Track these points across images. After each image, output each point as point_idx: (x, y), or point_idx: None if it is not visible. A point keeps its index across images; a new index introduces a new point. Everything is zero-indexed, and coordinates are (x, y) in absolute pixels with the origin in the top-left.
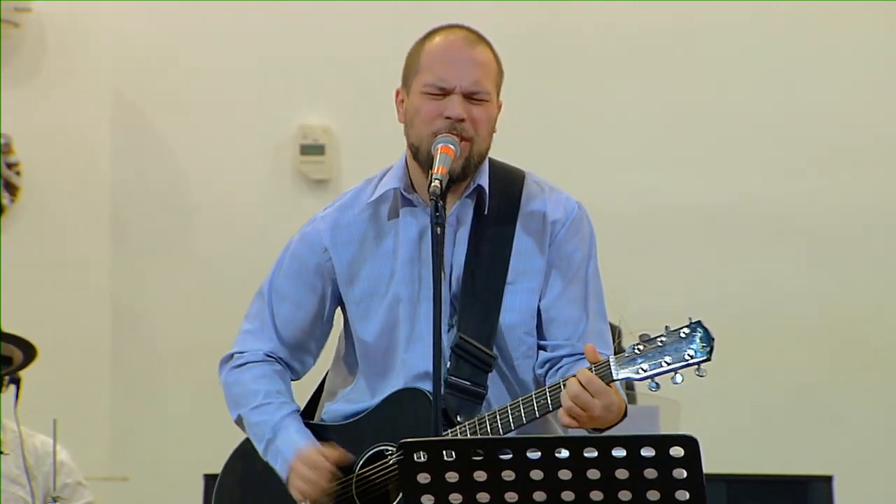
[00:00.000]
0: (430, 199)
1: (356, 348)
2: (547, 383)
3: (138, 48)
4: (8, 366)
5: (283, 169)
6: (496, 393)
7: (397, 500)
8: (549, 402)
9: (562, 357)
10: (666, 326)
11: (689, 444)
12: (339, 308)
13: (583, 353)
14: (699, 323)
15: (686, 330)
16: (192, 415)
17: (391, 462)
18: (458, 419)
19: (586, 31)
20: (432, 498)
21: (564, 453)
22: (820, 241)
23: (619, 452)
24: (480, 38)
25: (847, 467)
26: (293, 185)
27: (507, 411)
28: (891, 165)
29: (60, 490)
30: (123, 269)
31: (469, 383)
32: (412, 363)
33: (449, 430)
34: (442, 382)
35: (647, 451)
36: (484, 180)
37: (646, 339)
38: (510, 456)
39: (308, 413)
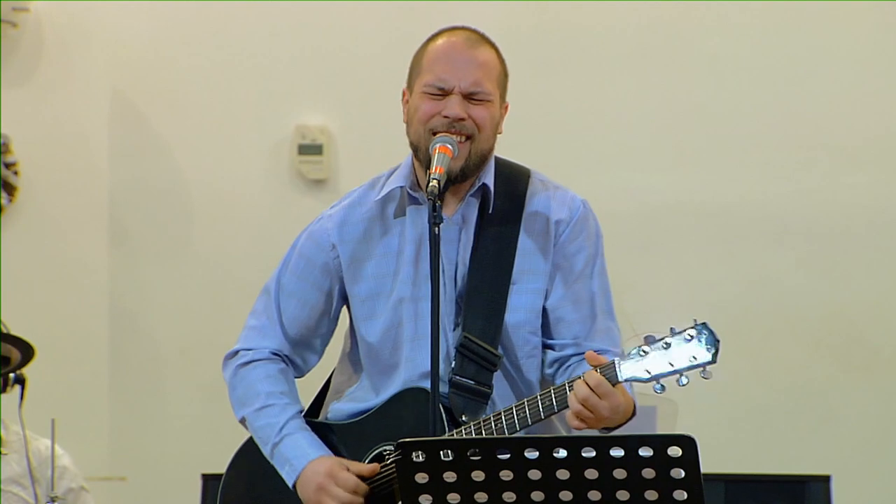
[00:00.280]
0: (428, 199)
1: (360, 347)
2: (556, 382)
3: (136, 48)
4: (6, 366)
5: (280, 169)
6: (501, 392)
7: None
8: (555, 403)
9: (570, 356)
10: (671, 328)
11: (687, 443)
12: (344, 306)
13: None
14: (704, 325)
15: (691, 332)
16: (191, 414)
17: (391, 458)
18: (464, 419)
19: (586, 31)
20: (430, 498)
21: (562, 453)
22: (819, 241)
23: (617, 452)
24: (484, 40)
25: (845, 467)
26: (291, 185)
27: (513, 412)
28: (891, 165)
29: (65, 494)
30: (122, 269)
31: (474, 383)
32: (417, 362)
33: (454, 431)
34: (446, 382)
35: (645, 451)
36: (489, 179)
37: (651, 341)
38: (508, 456)
39: (313, 411)
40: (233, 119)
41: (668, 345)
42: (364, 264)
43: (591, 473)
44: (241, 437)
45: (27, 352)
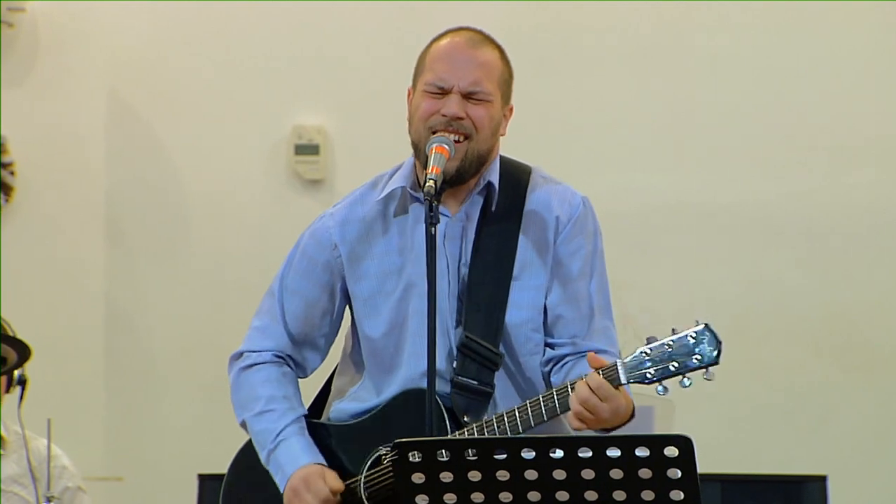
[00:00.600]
0: (425, 199)
1: (362, 346)
2: (552, 380)
3: (133, 48)
4: (2, 366)
5: (277, 169)
6: (503, 391)
7: None
8: (557, 404)
9: (565, 356)
10: (673, 329)
11: (684, 443)
12: (347, 304)
13: (587, 351)
14: (707, 326)
15: (694, 333)
16: (187, 415)
17: (387, 459)
18: (466, 419)
19: (586, 31)
20: (427, 498)
21: (559, 453)
22: (818, 242)
23: (613, 452)
24: (487, 40)
25: (841, 467)
26: (287, 185)
27: (515, 414)
28: (890, 165)
29: (61, 493)
30: (118, 270)
31: (476, 382)
32: (420, 359)
33: (456, 432)
34: (448, 381)
35: (641, 451)
36: (494, 177)
37: (653, 343)
38: (504, 456)
39: (315, 411)
40: (229, 119)
41: (671, 346)
42: (365, 263)
43: (588, 474)
44: (238, 437)
45: (24, 352)
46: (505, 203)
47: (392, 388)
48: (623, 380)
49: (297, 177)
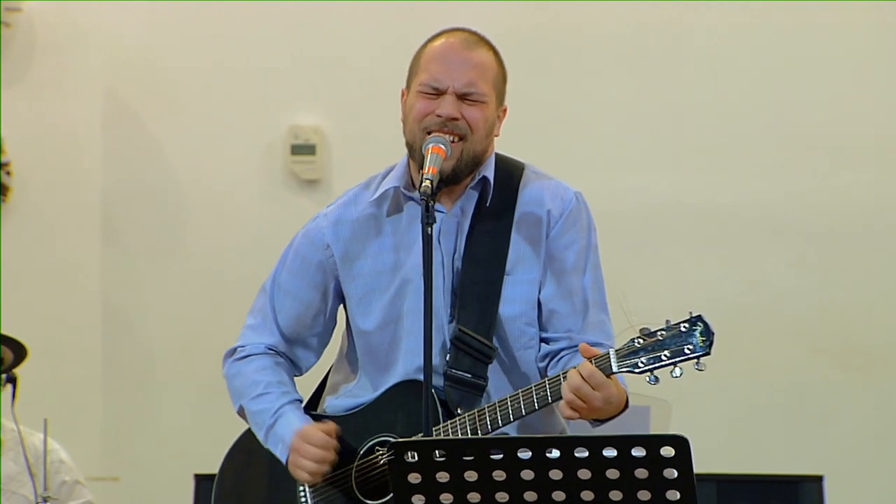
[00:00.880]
0: (421, 199)
1: (357, 344)
2: (548, 375)
3: (129, 48)
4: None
5: (273, 169)
6: (497, 384)
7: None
8: (549, 394)
9: (561, 350)
10: (667, 320)
11: (680, 444)
12: (341, 305)
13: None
14: (699, 317)
15: (686, 324)
16: (184, 415)
17: (383, 459)
18: (459, 411)
19: (584, 31)
20: (423, 498)
21: (555, 453)
22: (815, 242)
23: (609, 452)
24: (482, 41)
25: (837, 467)
26: (284, 185)
27: (507, 403)
28: (888, 166)
29: (59, 488)
30: (114, 270)
31: (469, 375)
32: (416, 355)
33: (448, 423)
34: (441, 375)
35: (637, 451)
36: (490, 172)
37: (646, 333)
38: (501, 456)
39: (311, 406)
40: (226, 119)
41: (663, 336)
42: (359, 262)
43: (584, 473)
44: (234, 436)
45: (20, 352)
46: (498, 199)
47: (388, 385)
48: (614, 368)
49: (294, 177)
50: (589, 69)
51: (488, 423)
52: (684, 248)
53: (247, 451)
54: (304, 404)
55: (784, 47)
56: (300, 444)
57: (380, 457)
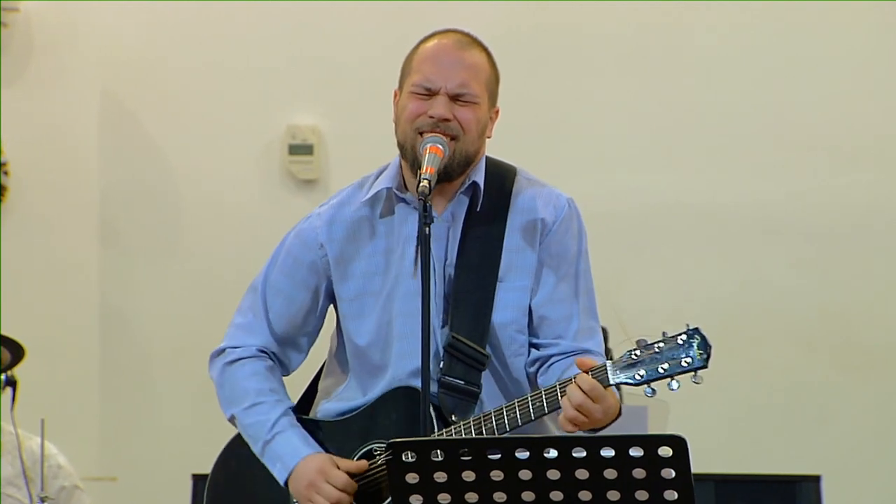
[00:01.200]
0: (419, 200)
1: (347, 347)
2: (538, 381)
3: (127, 48)
4: None
5: (271, 169)
6: (490, 391)
7: (390, 498)
8: (546, 404)
9: (551, 356)
10: (663, 333)
11: (678, 443)
12: (331, 305)
13: (573, 352)
14: (697, 330)
15: (683, 336)
16: (181, 415)
17: (381, 459)
18: (453, 418)
19: (584, 31)
20: (421, 498)
21: (553, 453)
22: (813, 242)
23: (607, 452)
24: (474, 42)
25: (835, 467)
26: (281, 185)
27: (503, 413)
28: (885, 166)
29: (57, 493)
30: (112, 270)
31: (463, 382)
32: (408, 359)
33: (444, 430)
34: (436, 381)
35: (635, 451)
36: (480, 177)
37: (643, 345)
38: (499, 456)
39: (301, 409)
40: (223, 119)
41: (660, 349)
42: (352, 263)
43: (582, 473)
44: (231, 436)
45: (17, 352)
46: (490, 204)
47: (378, 389)
48: (612, 381)
49: (291, 177)
50: (589, 69)
51: (484, 433)
52: (684, 248)
53: (237, 455)
54: (294, 407)
55: (784, 47)
56: (318, 483)
57: (377, 459)
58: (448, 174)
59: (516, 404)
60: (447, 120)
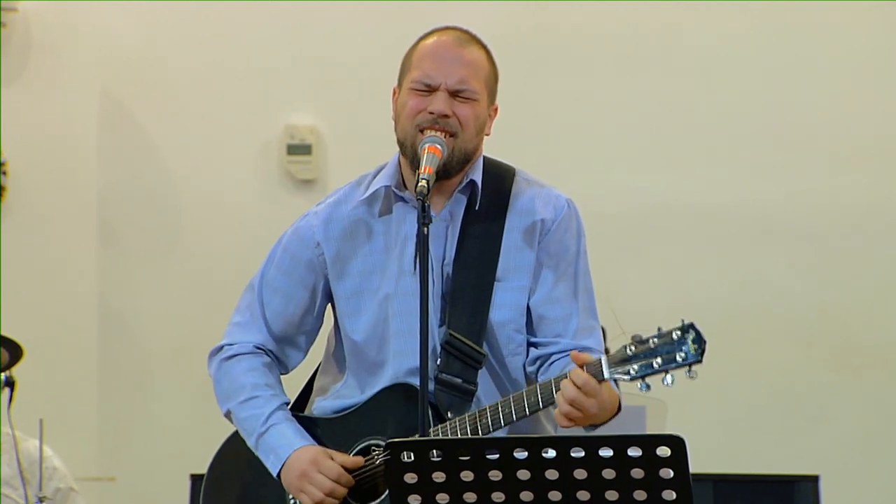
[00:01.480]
0: (418, 199)
1: (345, 344)
2: (538, 381)
3: (125, 48)
4: None
5: (269, 169)
6: (486, 390)
7: (385, 494)
8: (540, 400)
9: (551, 354)
10: (658, 328)
11: (676, 443)
12: (329, 303)
13: (573, 350)
14: (692, 325)
15: (678, 332)
16: (180, 415)
17: (379, 458)
18: (449, 416)
19: (584, 31)
20: (419, 498)
21: (551, 453)
22: (811, 243)
23: (605, 452)
24: (474, 40)
25: (834, 468)
26: (280, 185)
27: (498, 409)
28: (883, 167)
29: (53, 495)
30: (110, 270)
31: (459, 380)
32: (405, 357)
33: (439, 427)
34: (433, 379)
35: (633, 451)
36: (477, 176)
37: (638, 341)
38: (497, 456)
39: (298, 407)
40: (222, 119)
41: (655, 344)
42: (349, 261)
43: (580, 473)
44: (229, 435)
45: (15, 352)
46: (488, 204)
47: (376, 386)
48: (606, 375)
49: (290, 177)
50: (589, 69)
51: (478, 428)
52: (683, 248)
53: (232, 454)
54: (290, 405)
55: (784, 47)
56: (311, 472)
57: (374, 458)
58: (447, 171)
59: (511, 400)
60: (447, 116)
